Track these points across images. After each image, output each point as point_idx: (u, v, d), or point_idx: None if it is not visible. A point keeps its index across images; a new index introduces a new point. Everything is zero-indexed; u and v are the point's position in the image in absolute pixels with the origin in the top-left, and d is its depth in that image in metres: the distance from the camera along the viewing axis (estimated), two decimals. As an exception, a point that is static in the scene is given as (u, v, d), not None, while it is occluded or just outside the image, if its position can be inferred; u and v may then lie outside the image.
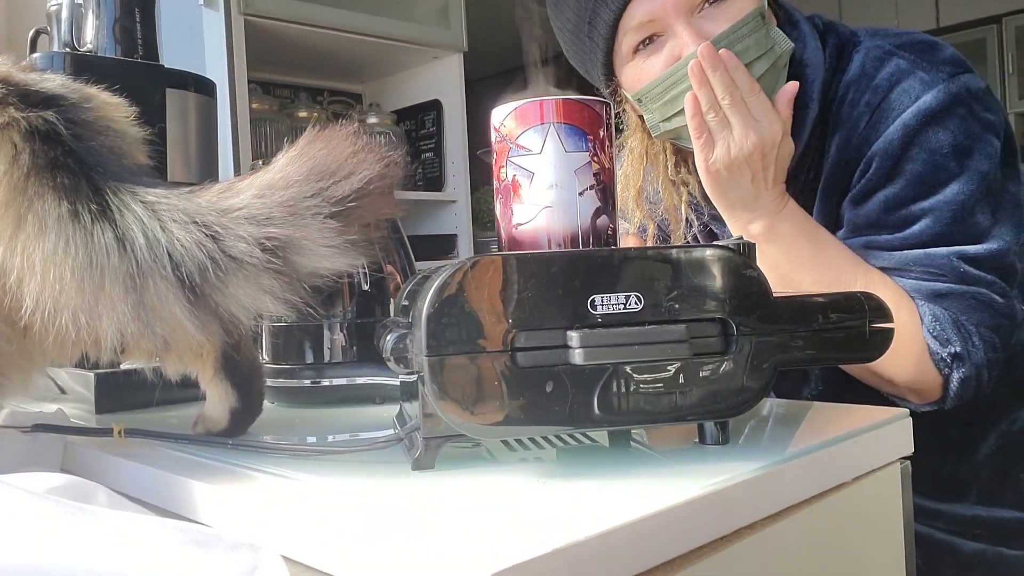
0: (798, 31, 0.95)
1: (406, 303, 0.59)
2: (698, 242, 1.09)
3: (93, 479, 0.52)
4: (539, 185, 0.62)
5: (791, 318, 0.56)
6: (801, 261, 0.89)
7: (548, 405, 0.51)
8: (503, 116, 0.63)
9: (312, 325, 0.84)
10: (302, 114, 2.66)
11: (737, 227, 0.93)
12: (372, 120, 2.72)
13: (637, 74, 0.95)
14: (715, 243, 0.56)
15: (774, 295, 0.55)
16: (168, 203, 0.54)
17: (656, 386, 0.52)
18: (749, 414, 0.59)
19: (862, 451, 0.62)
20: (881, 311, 0.58)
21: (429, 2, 2.68)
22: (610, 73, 0.99)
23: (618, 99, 1.02)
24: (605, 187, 0.63)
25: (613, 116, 0.66)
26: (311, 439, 0.67)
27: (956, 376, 0.85)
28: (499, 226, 0.65)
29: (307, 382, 0.83)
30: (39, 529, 0.40)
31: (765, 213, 0.90)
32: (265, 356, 0.87)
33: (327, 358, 0.84)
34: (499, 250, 0.63)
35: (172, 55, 1.09)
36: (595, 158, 0.62)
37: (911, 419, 0.66)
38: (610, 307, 0.52)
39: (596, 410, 0.52)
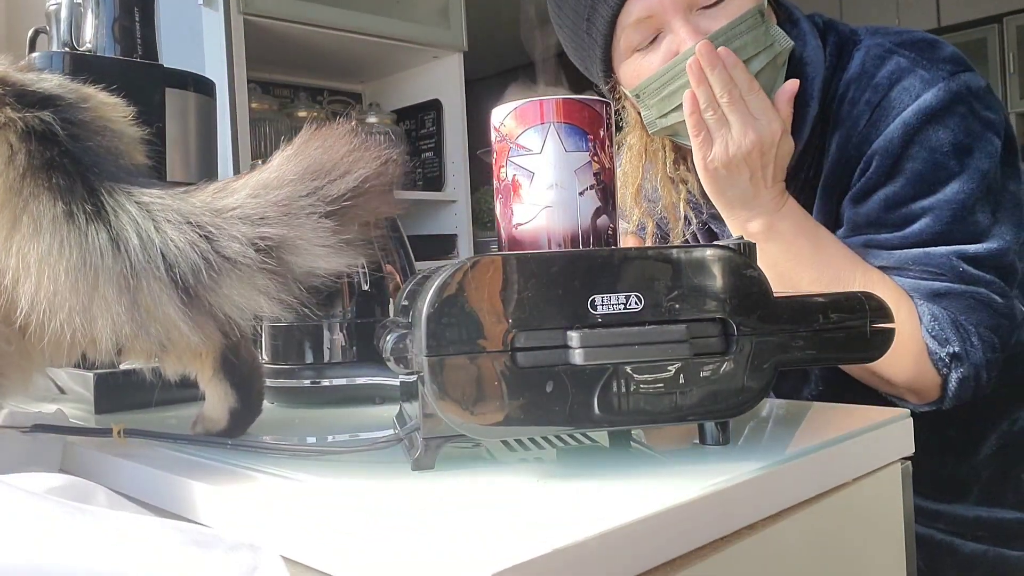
0: (798, 29, 0.95)
1: (406, 303, 0.59)
2: (697, 240, 1.09)
3: (92, 479, 0.52)
4: (539, 185, 0.62)
5: (792, 318, 0.55)
6: (800, 260, 0.89)
7: (548, 405, 0.51)
8: (503, 116, 0.63)
9: (312, 325, 0.84)
10: (302, 114, 2.66)
11: (736, 225, 0.93)
12: (372, 120, 2.72)
13: (635, 70, 0.95)
14: (715, 243, 0.56)
15: (775, 295, 0.55)
16: (162, 203, 0.54)
17: (656, 386, 0.52)
18: (749, 414, 0.59)
19: (862, 451, 0.62)
20: (882, 311, 0.58)
21: (429, 2, 2.68)
22: (609, 70, 0.99)
23: (617, 96, 1.02)
24: (605, 187, 0.63)
25: (613, 115, 0.66)
26: (311, 439, 0.67)
27: (954, 376, 0.85)
28: (499, 226, 0.65)
29: (307, 382, 0.83)
30: (39, 529, 0.40)
31: (764, 211, 0.90)
32: (265, 356, 0.87)
33: (327, 358, 0.84)
34: (499, 250, 0.63)
35: (171, 55, 1.09)
36: (595, 158, 0.62)
37: (912, 419, 0.66)
38: (610, 307, 0.52)
39: (596, 410, 0.52)
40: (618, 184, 0.93)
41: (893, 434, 0.65)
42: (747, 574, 0.51)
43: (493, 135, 0.64)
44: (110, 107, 0.64)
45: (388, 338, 0.54)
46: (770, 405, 0.76)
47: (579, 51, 1.01)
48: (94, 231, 0.52)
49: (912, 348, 0.85)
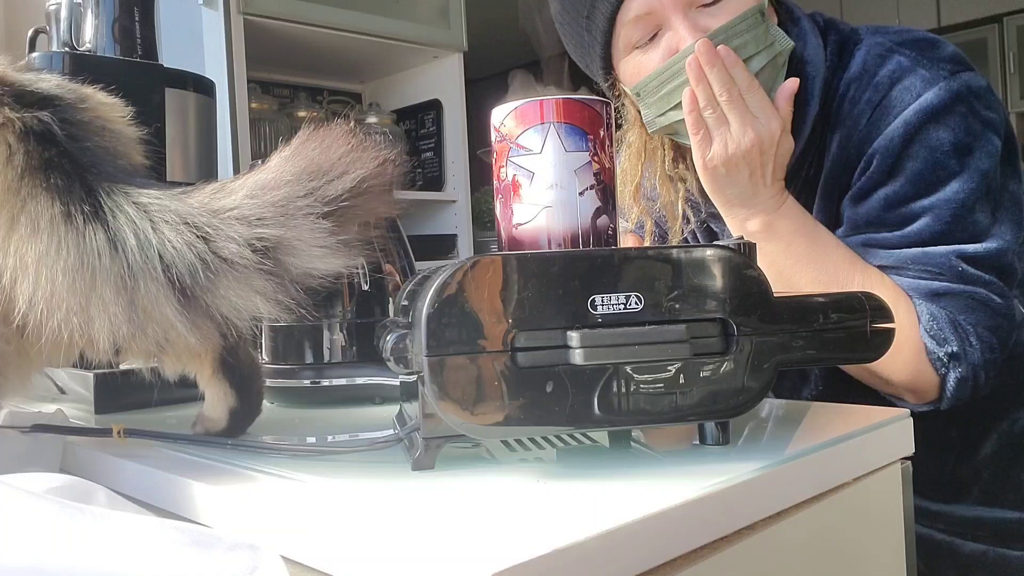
0: (799, 28, 0.95)
1: (406, 303, 0.59)
2: (696, 239, 1.09)
3: (92, 479, 0.52)
4: (539, 185, 0.62)
5: (792, 318, 0.55)
6: (799, 258, 0.89)
7: (548, 405, 0.51)
8: (503, 116, 0.63)
9: (312, 325, 0.84)
10: (301, 114, 2.66)
11: (735, 224, 0.93)
12: (372, 120, 2.72)
13: (635, 67, 0.95)
14: (716, 243, 0.56)
15: (775, 295, 0.55)
16: (160, 204, 0.54)
17: (656, 386, 0.52)
18: (749, 414, 0.59)
19: (862, 451, 0.62)
20: (882, 311, 0.58)
21: (429, 2, 2.68)
22: (609, 67, 0.99)
23: (617, 93, 1.02)
24: (605, 187, 0.63)
25: (613, 115, 0.66)
26: (311, 439, 0.66)
27: (953, 376, 0.85)
28: (499, 226, 0.65)
29: (307, 382, 0.83)
30: (39, 529, 0.40)
31: (763, 210, 0.90)
32: (265, 356, 0.87)
33: (327, 358, 0.84)
34: (499, 250, 0.63)
35: (171, 54, 1.09)
36: (595, 158, 0.62)
37: (912, 419, 0.66)
38: (610, 307, 0.52)
39: (596, 410, 0.52)
40: (617, 182, 0.93)
41: (893, 434, 0.65)
42: (747, 574, 0.51)
43: (493, 135, 0.64)
44: (108, 107, 0.63)
45: (388, 338, 0.54)
46: (770, 405, 0.76)
47: (579, 48, 1.01)
48: (92, 231, 0.52)
49: (910, 348, 0.85)
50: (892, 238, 0.88)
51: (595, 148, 0.62)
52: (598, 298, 0.52)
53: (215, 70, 2.15)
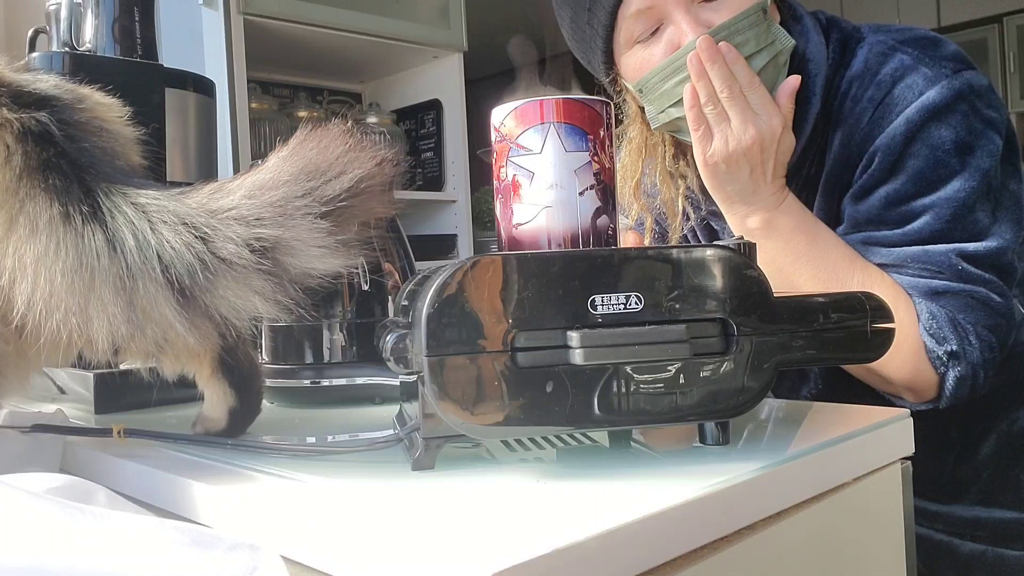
0: (801, 26, 0.95)
1: (406, 303, 0.59)
2: (695, 236, 1.09)
3: (92, 479, 0.52)
4: (539, 185, 0.62)
5: (792, 318, 0.55)
6: (799, 256, 0.89)
7: (548, 405, 0.51)
8: (503, 116, 0.63)
9: (312, 325, 0.84)
10: (301, 114, 2.66)
11: (735, 221, 0.93)
12: (372, 120, 2.72)
13: (636, 62, 0.95)
14: (716, 243, 0.56)
15: (775, 295, 0.55)
16: (158, 204, 0.54)
17: (656, 386, 0.52)
18: (749, 414, 0.59)
19: (862, 451, 0.62)
20: (882, 311, 0.58)
21: (429, 2, 2.68)
22: (610, 61, 0.99)
23: (618, 88, 1.02)
24: (605, 187, 0.63)
25: (613, 115, 0.66)
26: (311, 439, 0.66)
27: (952, 375, 0.85)
28: (499, 226, 0.65)
29: (307, 382, 0.83)
30: (39, 529, 0.40)
31: (763, 207, 0.90)
32: (265, 356, 0.87)
33: (327, 358, 0.84)
34: (499, 250, 0.63)
35: (171, 54, 1.09)
36: (595, 158, 0.62)
37: (912, 419, 0.66)
38: (610, 307, 0.52)
39: (596, 410, 0.52)
40: (617, 178, 0.93)
41: (893, 434, 0.65)
42: (747, 574, 0.51)
43: (493, 135, 0.64)
44: (106, 107, 0.63)
45: (388, 338, 0.54)
46: (770, 405, 0.76)
47: (580, 43, 1.00)
48: (90, 232, 0.52)
49: (910, 346, 0.85)
50: (892, 236, 0.88)
51: (595, 148, 0.62)
52: (598, 298, 0.52)
53: (215, 70, 2.15)
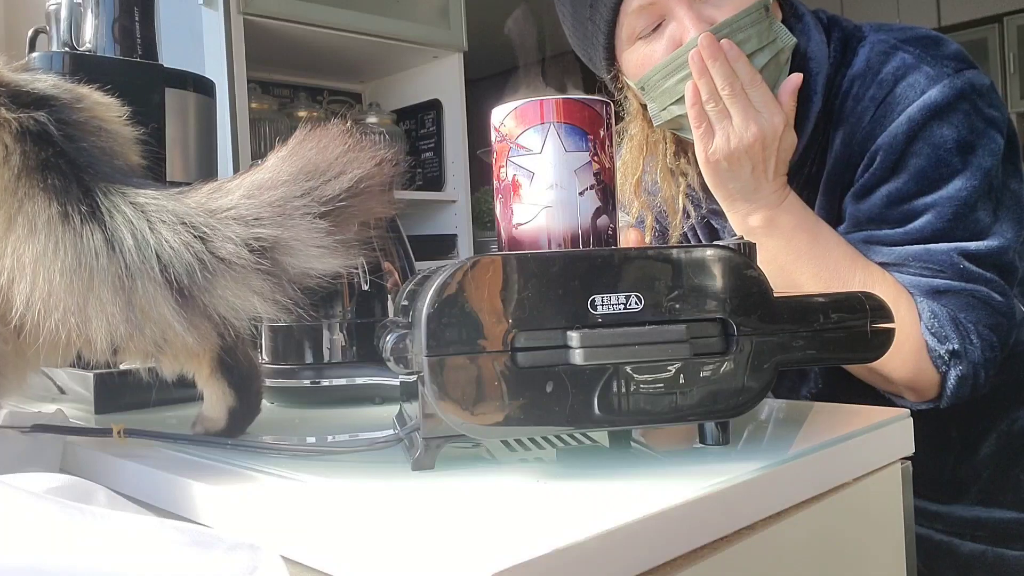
0: (802, 24, 0.95)
1: (406, 303, 0.59)
2: (695, 235, 1.09)
3: (92, 479, 0.52)
4: (539, 185, 0.62)
5: (792, 318, 0.55)
6: (800, 254, 0.89)
7: (548, 405, 0.51)
8: (503, 116, 0.63)
9: (312, 325, 0.84)
10: (301, 114, 2.66)
11: (736, 219, 0.93)
12: (372, 120, 2.72)
13: (638, 58, 0.95)
14: (716, 243, 0.56)
15: (775, 295, 0.55)
16: (157, 204, 0.54)
17: (656, 386, 0.52)
18: (749, 414, 0.59)
19: (862, 451, 0.62)
20: (882, 311, 0.58)
21: (429, 2, 2.68)
22: (612, 58, 0.99)
23: (619, 85, 1.02)
24: (605, 187, 0.63)
25: (613, 114, 0.66)
26: (311, 439, 0.66)
27: (953, 374, 0.85)
28: (499, 226, 0.65)
29: (307, 382, 0.83)
30: (39, 529, 0.40)
31: (765, 205, 0.90)
32: (265, 356, 0.87)
33: (327, 358, 0.84)
34: (499, 250, 0.63)
35: (171, 54, 1.09)
36: (595, 158, 0.62)
37: (912, 419, 0.66)
38: (610, 307, 0.52)
39: (596, 410, 0.52)
40: (618, 175, 0.93)
41: (893, 434, 0.65)
42: (747, 574, 0.51)
43: (493, 135, 0.64)
44: (105, 107, 0.63)
45: (388, 338, 0.54)
46: (770, 405, 0.76)
47: (582, 40, 1.00)
48: (89, 232, 0.52)
49: (911, 345, 0.85)
50: (894, 235, 0.88)
51: (595, 148, 0.62)
52: (598, 298, 0.52)
53: (215, 70, 2.15)
